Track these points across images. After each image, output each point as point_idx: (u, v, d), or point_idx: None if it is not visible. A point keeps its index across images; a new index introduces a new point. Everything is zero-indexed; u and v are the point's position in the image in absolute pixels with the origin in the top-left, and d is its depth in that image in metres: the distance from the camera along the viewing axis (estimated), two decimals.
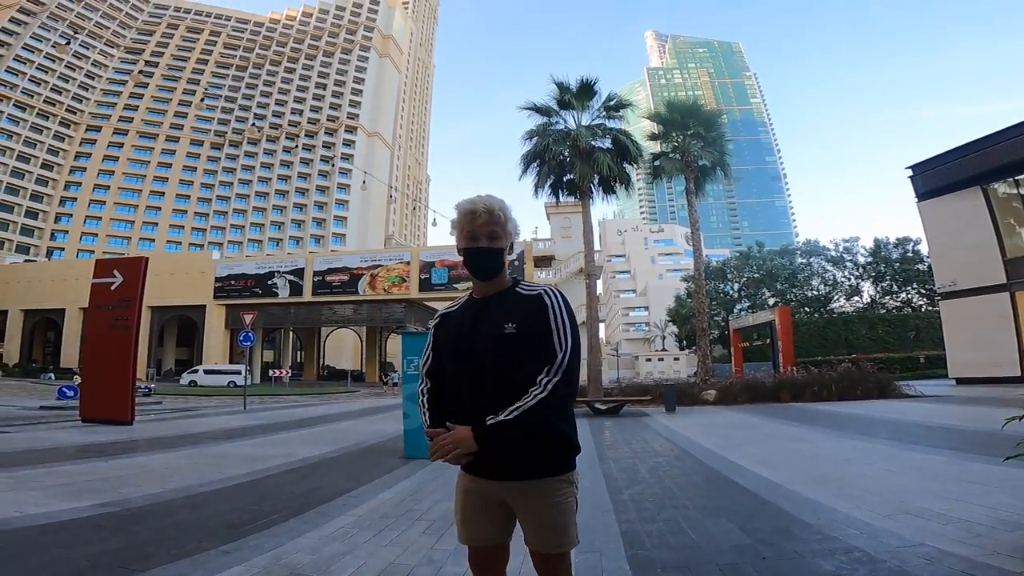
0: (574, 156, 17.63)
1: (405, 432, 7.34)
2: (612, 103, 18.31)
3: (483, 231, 1.74)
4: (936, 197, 19.61)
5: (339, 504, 4.59)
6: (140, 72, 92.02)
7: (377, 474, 5.99)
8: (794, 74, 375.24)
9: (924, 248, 33.12)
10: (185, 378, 39.97)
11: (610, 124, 18.49)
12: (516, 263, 39.63)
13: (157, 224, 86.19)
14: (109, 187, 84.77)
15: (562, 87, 17.97)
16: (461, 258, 1.80)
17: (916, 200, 20.54)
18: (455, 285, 40.89)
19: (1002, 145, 17.44)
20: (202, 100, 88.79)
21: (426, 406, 1.79)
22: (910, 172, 20.71)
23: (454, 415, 1.72)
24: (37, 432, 9.70)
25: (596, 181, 18.14)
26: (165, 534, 3.67)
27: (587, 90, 17.92)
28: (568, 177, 18.26)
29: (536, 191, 18.49)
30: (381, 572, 2.99)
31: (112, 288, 11.62)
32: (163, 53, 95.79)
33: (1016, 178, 17.60)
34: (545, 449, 1.69)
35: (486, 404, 1.62)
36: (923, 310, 36.21)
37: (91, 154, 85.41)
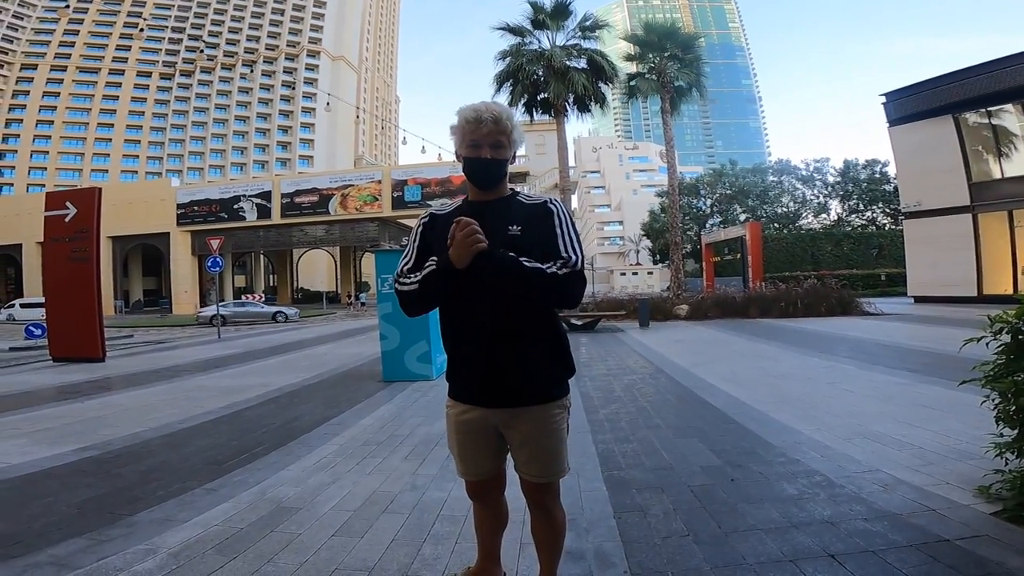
0: (548, 75, 17.24)
1: (383, 354, 7.34)
2: (588, 23, 17.85)
3: (487, 140, 1.63)
4: (907, 123, 20.00)
5: (320, 433, 4.66)
6: (72, 8, 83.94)
7: (357, 400, 6.06)
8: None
9: (892, 170, 33.58)
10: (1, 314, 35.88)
11: (586, 44, 18.10)
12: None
13: (109, 155, 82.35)
14: (53, 122, 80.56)
15: (536, 7, 17.38)
16: (460, 164, 1.69)
17: (888, 125, 20.86)
18: (428, 202, 40.18)
19: (975, 79, 17.77)
20: (142, 31, 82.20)
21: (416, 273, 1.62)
22: (883, 99, 20.96)
23: (453, 322, 1.67)
24: (10, 376, 9.49)
25: (571, 100, 17.85)
26: (149, 476, 3.68)
27: (562, 10, 17.38)
28: (542, 96, 17.88)
29: None
30: (366, 500, 3.07)
31: (67, 220, 11.07)
32: None
33: (988, 109, 17.97)
34: (542, 374, 1.65)
35: (493, 306, 1.58)
36: (887, 229, 37.09)
37: (29, 92, 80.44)
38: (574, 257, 1.57)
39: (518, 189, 1.78)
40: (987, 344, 2.73)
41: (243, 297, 40.85)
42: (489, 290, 1.56)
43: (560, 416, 1.69)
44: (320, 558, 2.40)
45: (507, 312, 1.58)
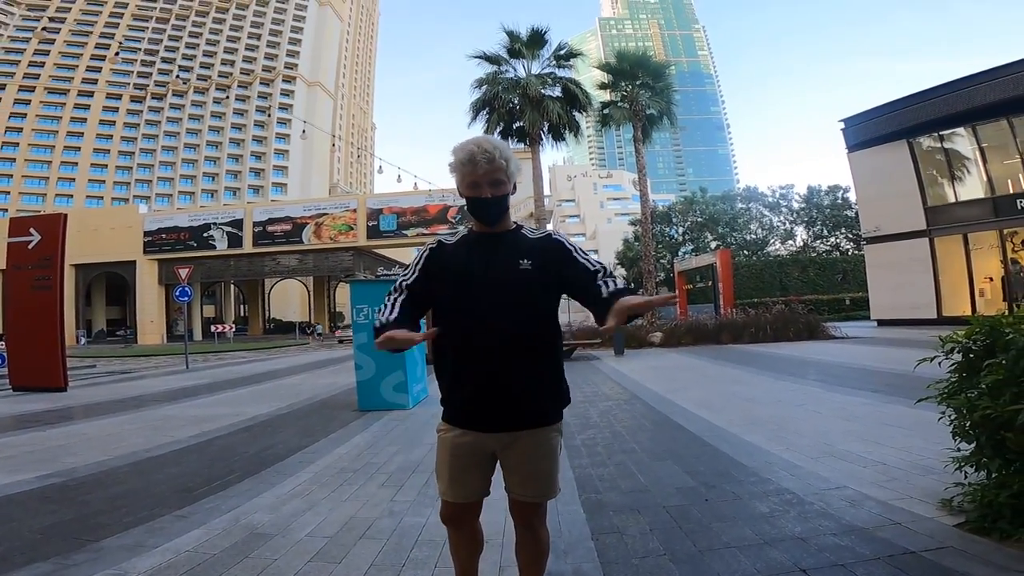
0: (524, 104, 17.55)
1: (358, 384, 7.25)
2: (563, 52, 18.32)
3: (486, 179, 1.68)
4: (865, 148, 20.68)
5: (295, 461, 4.59)
6: (44, 29, 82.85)
7: (332, 429, 5.97)
8: (741, 27, 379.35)
9: (852, 196, 34.84)
10: None
11: (560, 73, 18.56)
12: (466, 208, 39.03)
13: (74, 180, 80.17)
14: (18, 144, 78.19)
15: (513, 36, 17.73)
16: (464, 202, 1.75)
17: (847, 151, 21.55)
18: (404, 232, 40.19)
19: (927, 103, 18.54)
20: (116, 55, 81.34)
21: (396, 306, 1.69)
22: (842, 124, 21.67)
23: (452, 347, 1.68)
24: None
25: (546, 128, 18.21)
26: (116, 503, 3.59)
27: (538, 39, 17.80)
28: (518, 124, 18.19)
29: None
30: (343, 527, 3.04)
31: (30, 247, 10.80)
32: (70, 8, 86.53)
33: (940, 133, 18.73)
34: (546, 398, 1.70)
35: (493, 332, 1.61)
36: (850, 254, 38.32)
37: None
38: (600, 264, 1.68)
39: (519, 223, 1.83)
40: (939, 363, 2.87)
41: (212, 328, 39.98)
42: (493, 316, 1.61)
43: (556, 439, 1.74)
44: None
45: (511, 340, 1.62)
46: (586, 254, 1.72)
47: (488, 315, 1.62)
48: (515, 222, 1.81)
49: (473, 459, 1.72)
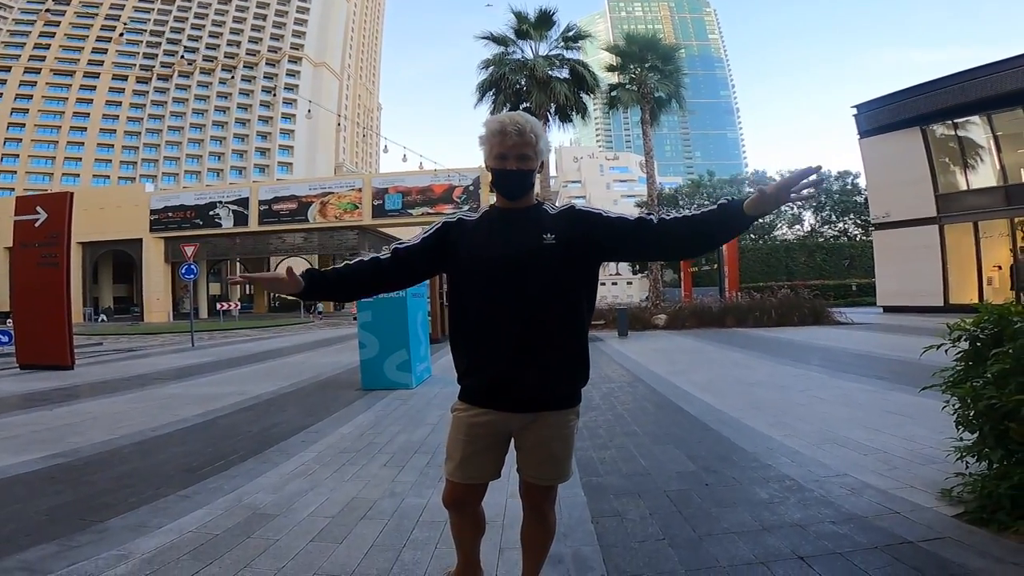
0: (531, 85, 17.44)
1: (362, 363, 7.29)
2: (571, 34, 18.14)
3: (513, 152, 1.66)
4: (877, 135, 20.48)
5: (298, 441, 4.62)
6: (48, 11, 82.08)
7: (335, 408, 6.01)
8: (752, 10, 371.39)
9: (862, 182, 34.51)
10: None
11: (568, 55, 18.39)
12: (471, 188, 39.04)
13: (81, 159, 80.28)
14: (24, 125, 78.27)
15: (520, 17, 17.56)
16: (489, 175, 1.73)
17: (858, 137, 21.35)
18: (409, 211, 40.10)
19: (943, 91, 18.32)
20: (121, 35, 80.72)
21: (352, 266, 1.75)
22: (855, 111, 21.46)
23: (475, 324, 1.66)
24: None
25: (553, 110, 18.09)
26: (120, 482, 3.62)
27: (546, 20, 17.62)
28: (525, 105, 18.06)
29: None
30: (344, 507, 3.06)
31: (36, 225, 10.82)
32: None
33: (955, 121, 18.52)
34: (569, 378, 1.68)
35: (521, 310, 1.60)
36: (858, 239, 38.09)
37: (1, 94, 77.92)
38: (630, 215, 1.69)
39: (541, 200, 1.82)
40: (946, 351, 2.85)
41: (218, 305, 40.23)
42: (517, 293, 1.59)
43: (574, 423, 1.73)
44: (298, 563, 2.39)
45: (536, 317, 1.60)
46: (617, 215, 1.72)
47: (510, 292, 1.60)
48: (537, 199, 1.78)
49: (489, 440, 1.69)
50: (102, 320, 42.23)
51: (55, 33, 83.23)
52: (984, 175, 18.23)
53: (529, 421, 1.67)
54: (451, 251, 1.70)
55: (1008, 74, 16.56)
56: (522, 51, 18.22)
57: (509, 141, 1.64)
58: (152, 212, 42.91)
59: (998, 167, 17.81)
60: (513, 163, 1.66)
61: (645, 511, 2.88)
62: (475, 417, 1.68)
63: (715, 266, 23.79)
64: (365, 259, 1.75)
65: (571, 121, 18.79)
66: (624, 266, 63.19)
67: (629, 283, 60.25)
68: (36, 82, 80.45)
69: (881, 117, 20.36)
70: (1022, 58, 16.39)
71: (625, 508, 2.93)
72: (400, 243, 1.77)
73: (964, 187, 18.63)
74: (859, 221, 39.93)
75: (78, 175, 79.02)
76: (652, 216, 1.66)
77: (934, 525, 2.53)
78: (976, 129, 18.28)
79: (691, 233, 1.64)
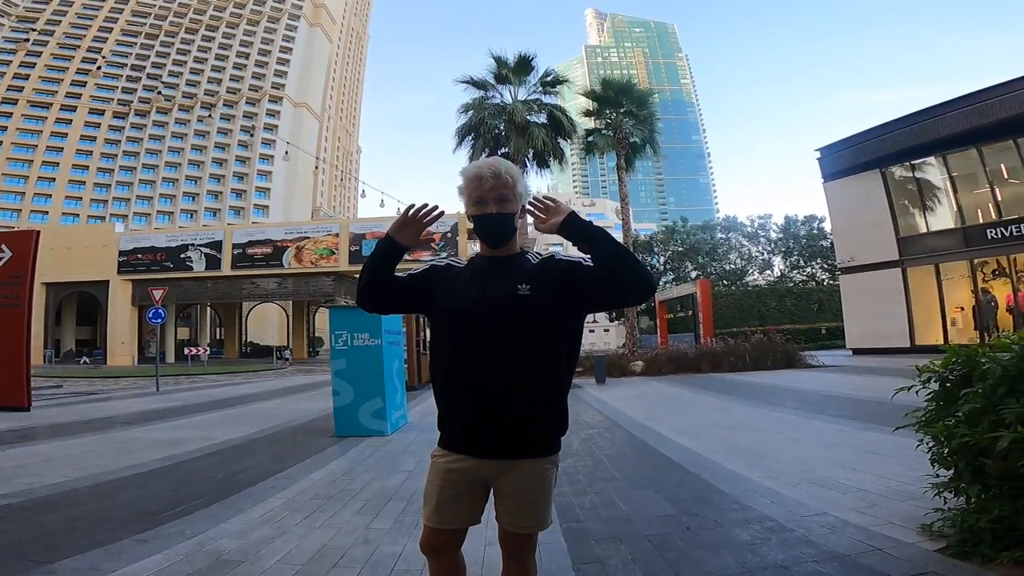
0: (509, 130, 17.72)
1: (335, 410, 7.09)
2: (549, 79, 18.56)
3: (491, 195, 1.65)
4: (840, 178, 21.06)
5: (266, 487, 4.43)
6: (31, 41, 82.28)
7: (306, 454, 5.80)
8: (722, 55, 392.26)
9: (828, 226, 35.78)
10: None
11: (546, 99, 18.80)
12: (449, 235, 39.24)
13: (51, 196, 78.68)
14: None
15: (500, 61, 17.97)
16: (469, 222, 1.73)
17: (822, 181, 21.95)
18: None
19: (899, 132, 18.97)
20: (99, 68, 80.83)
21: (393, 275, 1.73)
22: (818, 154, 22.11)
23: (452, 369, 1.64)
24: None
25: (531, 155, 18.37)
26: (74, 524, 3.44)
27: (525, 65, 18.04)
28: (503, 151, 18.33)
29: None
30: (315, 554, 2.92)
31: (0, 264, 10.53)
32: (60, 22, 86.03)
33: (912, 162, 19.19)
34: (544, 426, 1.65)
35: (498, 355, 1.57)
36: (825, 284, 39.18)
37: None
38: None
39: (526, 248, 1.81)
40: (916, 392, 2.90)
41: (186, 350, 39.08)
42: (488, 343, 1.58)
43: (551, 471, 1.69)
44: None
45: (507, 367, 1.58)
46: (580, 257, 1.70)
47: (481, 342, 1.59)
48: (521, 247, 1.78)
49: (465, 486, 1.65)
50: (84, 362, 40.68)
51: (35, 64, 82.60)
52: (942, 217, 18.78)
53: (504, 468, 1.63)
54: (431, 294, 1.70)
55: (958, 113, 17.19)
56: (501, 95, 18.60)
57: (486, 185, 1.65)
58: (121, 253, 42.07)
59: (955, 208, 18.38)
60: (492, 206, 1.66)
61: (627, 556, 2.81)
62: (451, 463, 1.65)
63: (690, 312, 24.12)
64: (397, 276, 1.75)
65: (549, 167, 19.09)
66: (601, 314, 63.77)
67: (606, 330, 60.47)
68: (12, 113, 79.19)
69: (843, 160, 20.91)
70: (972, 97, 17.06)
71: (606, 554, 2.86)
72: (398, 275, 1.78)
73: (924, 229, 19.16)
74: (826, 265, 41.18)
75: (47, 212, 77.25)
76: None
77: (917, 560, 2.52)
78: (932, 170, 18.87)
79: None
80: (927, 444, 2.81)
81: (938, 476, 2.80)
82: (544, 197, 1.67)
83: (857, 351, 20.26)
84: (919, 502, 3.18)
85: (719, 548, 2.85)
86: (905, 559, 2.55)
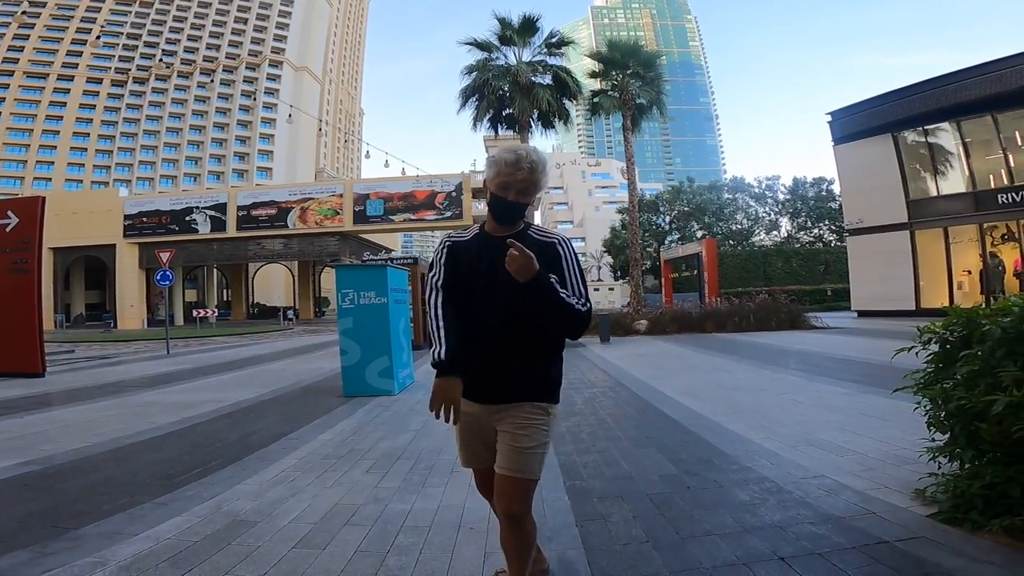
0: (514, 91, 17.47)
1: (343, 369, 7.20)
2: (554, 40, 18.19)
3: (518, 185, 1.79)
4: (851, 141, 20.86)
5: (278, 448, 4.56)
6: (24, 13, 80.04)
7: (316, 415, 5.94)
8: (732, 18, 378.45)
9: (836, 188, 35.28)
10: None
11: (551, 61, 18.47)
12: (454, 194, 38.98)
13: (53, 163, 78.06)
14: None
15: (504, 23, 17.58)
16: (488, 199, 1.86)
17: (832, 143, 21.72)
18: (391, 216, 39.92)
19: (915, 97, 18.73)
20: (98, 38, 78.99)
21: (441, 321, 1.80)
22: (829, 117, 21.84)
23: (463, 324, 1.80)
24: None
25: (536, 116, 18.14)
26: (95, 490, 3.55)
27: (529, 27, 17.66)
28: (507, 111, 18.11)
29: (475, 124, 18.38)
30: (327, 513, 3.03)
31: (7, 230, 10.55)
32: None
33: (925, 127, 18.96)
34: (531, 378, 1.83)
35: (498, 325, 1.77)
36: (832, 245, 38.82)
37: None
38: (582, 294, 1.79)
39: (530, 222, 1.93)
40: (916, 354, 2.92)
41: (194, 312, 39.43)
42: (493, 309, 1.77)
43: (543, 419, 1.83)
44: (280, 570, 2.36)
45: (504, 331, 1.78)
46: (578, 275, 1.82)
47: (490, 306, 1.79)
48: (524, 221, 1.90)
49: (475, 429, 1.88)
50: (110, 324, 40.78)
51: (29, 36, 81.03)
52: (954, 181, 18.66)
53: (499, 412, 1.82)
54: (452, 269, 1.89)
55: (975, 81, 16.98)
56: (505, 57, 18.27)
57: (520, 175, 1.78)
58: (126, 217, 42.05)
59: (967, 173, 18.26)
60: (513, 195, 1.80)
61: (629, 514, 2.90)
62: (465, 407, 1.83)
63: (695, 272, 24.09)
64: (440, 311, 1.83)
65: (554, 128, 18.87)
66: (606, 272, 63.74)
67: (611, 289, 60.62)
68: (8, 84, 78.16)
69: (854, 124, 20.72)
70: (991, 65, 16.80)
71: (609, 511, 2.95)
72: (435, 276, 1.90)
73: (934, 193, 19.06)
74: (834, 227, 40.75)
75: (50, 179, 76.95)
76: (582, 305, 1.76)
77: (909, 525, 2.59)
78: (946, 136, 18.70)
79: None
80: (924, 407, 2.84)
81: (934, 441, 2.84)
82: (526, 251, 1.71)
83: (863, 313, 20.28)
84: (914, 467, 3.25)
85: (718, 507, 2.94)
86: (898, 523, 2.61)
